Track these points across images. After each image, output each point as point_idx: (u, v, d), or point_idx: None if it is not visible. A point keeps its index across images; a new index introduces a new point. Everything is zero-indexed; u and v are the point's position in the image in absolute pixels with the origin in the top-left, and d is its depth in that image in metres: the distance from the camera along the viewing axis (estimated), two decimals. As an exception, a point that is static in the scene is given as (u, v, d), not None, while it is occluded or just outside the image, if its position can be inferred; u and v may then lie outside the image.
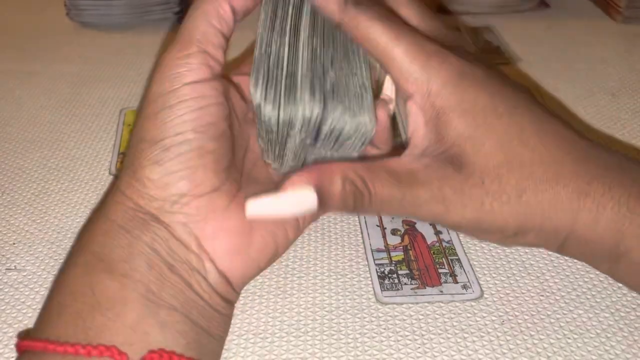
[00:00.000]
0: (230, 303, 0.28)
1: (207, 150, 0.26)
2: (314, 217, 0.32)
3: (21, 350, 0.25)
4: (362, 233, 0.38)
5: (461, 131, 0.26)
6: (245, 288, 0.34)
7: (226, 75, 0.29)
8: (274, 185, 0.29)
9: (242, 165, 0.30)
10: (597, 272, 0.34)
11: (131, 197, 0.26)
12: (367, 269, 0.35)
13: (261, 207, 0.24)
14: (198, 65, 0.26)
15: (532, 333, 0.31)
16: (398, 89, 0.29)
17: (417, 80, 0.27)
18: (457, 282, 0.34)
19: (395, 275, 0.35)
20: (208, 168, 0.26)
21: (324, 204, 0.24)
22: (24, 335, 0.25)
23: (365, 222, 0.39)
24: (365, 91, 0.28)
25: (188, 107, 0.26)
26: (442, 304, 0.33)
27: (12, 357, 0.30)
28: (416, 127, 0.28)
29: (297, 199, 0.24)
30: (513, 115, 0.27)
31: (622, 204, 0.26)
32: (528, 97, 0.29)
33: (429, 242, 0.37)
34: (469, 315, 0.32)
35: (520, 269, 0.35)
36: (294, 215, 0.26)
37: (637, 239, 0.26)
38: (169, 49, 0.27)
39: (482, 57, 0.29)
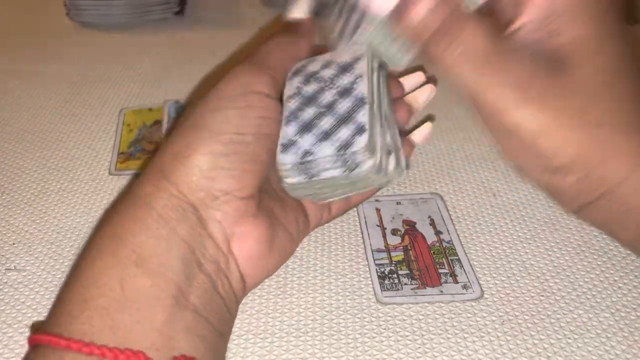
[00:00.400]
0: (238, 305, 0.28)
1: (260, 158, 0.27)
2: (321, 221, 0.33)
3: (35, 343, 0.23)
4: (362, 233, 0.38)
5: (583, 33, 0.24)
6: (245, 288, 0.34)
7: None
8: (283, 202, 0.30)
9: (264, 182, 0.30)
10: (598, 272, 0.34)
11: (175, 183, 0.26)
12: (367, 269, 0.35)
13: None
14: (268, 82, 0.28)
15: (533, 333, 0.31)
16: None
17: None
18: (457, 282, 0.34)
19: (395, 276, 0.35)
20: (255, 175, 0.27)
21: (401, 18, 0.24)
22: (40, 329, 0.23)
23: (366, 222, 0.39)
24: None
25: (254, 112, 0.27)
26: (442, 304, 0.33)
27: (12, 357, 0.30)
28: (534, 15, 0.25)
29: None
30: (634, 44, 0.25)
31: None
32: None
33: (429, 242, 0.37)
34: (469, 315, 0.32)
35: (521, 269, 0.35)
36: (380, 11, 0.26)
37: None
38: (242, 63, 0.29)
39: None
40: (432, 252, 0.36)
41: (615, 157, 0.24)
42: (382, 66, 0.31)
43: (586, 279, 0.34)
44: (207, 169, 0.26)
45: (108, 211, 0.39)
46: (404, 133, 0.33)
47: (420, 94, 0.33)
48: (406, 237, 0.37)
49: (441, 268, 0.35)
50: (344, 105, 0.28)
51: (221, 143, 0.26)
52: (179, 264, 0.24)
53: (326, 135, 0.28)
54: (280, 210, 0.30)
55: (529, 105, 0.24)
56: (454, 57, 0.24)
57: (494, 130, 0.25)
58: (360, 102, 0.28)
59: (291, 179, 0.28)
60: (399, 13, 0.24)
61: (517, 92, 0.24)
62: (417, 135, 0.33)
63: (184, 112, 0.29)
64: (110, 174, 0.44)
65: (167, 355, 0.23)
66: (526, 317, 0.32)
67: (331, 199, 0.32)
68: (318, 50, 0.32)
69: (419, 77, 0.33)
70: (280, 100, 0.29)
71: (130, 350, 0.22)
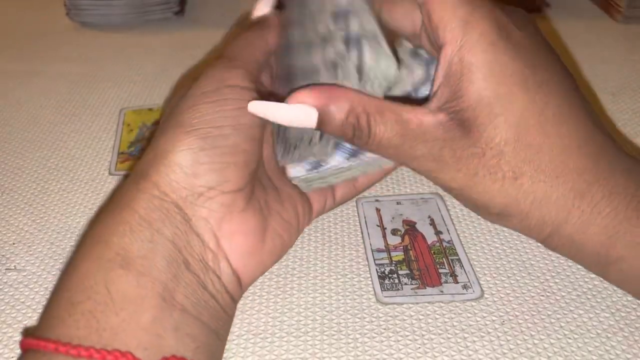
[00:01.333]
0: (235, 303, 0.28)
1: (241, 149, 0.27)
2: (317, 213, 0.33)
3: (26, 348, 0.23)
4: (362, 233, 0.38)
5: (481, 95, 0.25)
6: (245, 288, 0.34)
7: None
8: (278, 192, 0.30)
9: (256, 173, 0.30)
10: (598, 272, 0.34)
11: (157, 183, 0.26)
12: (367, 269, 0.35)
13: (264, 108, 0.26)
14: (241, 74, 0.28)
15: (533, 333, 0.31)
16: (434, 38, 0.27)
17: (454, 30, 0.25)
18: (457, 282, 0.34)
19: (395, 275, 0.34)
20: (239, 167, 0.27)
21: (322, 125, 0.26)
22: (31, 334, 0.24)
23: (366, 222, 0.39)
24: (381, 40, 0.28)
25: (229, 105, 0.27)
26: (442, 304, 0.33)
27: (12, 357, 0.30)
28: (440, 80, 0.26)
29: (298, 112, 0.25)
30: (540, 91, 0.25)
31: (619, 212, 0.25)
32: (563, 72, 0.27)
33: (429, 242, 0.37)
34: (469, 315, 0.32)
35: (521, 269, 0.35)
36: (290, 124, 0.27)
37: (630, 249, 0.26)
38: (213, 61, 0.29)
39: (531, 18, 0.28)
40: (432, 252, 0.36)
41: (544, 205, 0.26)
42: None
43: (586, 279, 0.34)
44: (188, 165, 0.26)
45: (95, 215, 0.39)
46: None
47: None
48: (406, 237, 0.37)
49: (441, 268, 0.35)
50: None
51: (199, 138, 0.26)
52: (164, 264, 0.24)
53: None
54: (276, 200, 0.30)
55: (445, 171, 0.26)
56: (375, 147, 0.26)
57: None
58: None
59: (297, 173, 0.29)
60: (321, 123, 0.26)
61: (433, 163, 0.26)
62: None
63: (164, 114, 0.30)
64: (110, 174, 0.44)
65: (156, 354, 0.23)
66: (526, 317, 0.32)
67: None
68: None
69: None
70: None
71: (118, 351, 0.22)
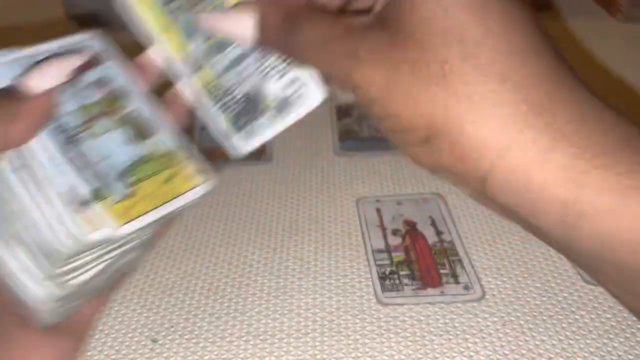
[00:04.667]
0: None
1: None
2: None
3: None
4: (362, 234, 0.38)
5: None
6: (245, 289, 0.34)
7: None
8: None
9: None
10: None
11: None
12: (368, 269, 0.35)
13: (206, 22, 0.24)
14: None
15: (534, 334, 0.31)
16: None
17: None
18: (458, 283, 0.34)
19: (396, 276, 0.34)
20: None
21: (262, 30, 0.23)
22: None
23: (366, 222, 0.39)
24: None
25: None
26: (443, 305, 0.33)
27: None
28: None
29: (238, 25, 0.24)
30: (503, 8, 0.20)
31: (594, 143, 0.18)
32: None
33: (430, 243, 0.37)
34: (470, 316, 0.32)
35: (522, 269, 0.35)
36: (228, 35, 0.24)
37: (595, 196, 0.17)
38: None
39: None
40: (433, 252, 0.36)
41: (484, 119, 0.19)
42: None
43: (588, 279, 0.34)
44: None
45: None
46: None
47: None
48: (407, 238, 0.37)
49: (442, 268, 0.35)
50: None
51: None
52: None
53: None
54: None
55: (362, 68, 0.21)
56: (300, 50, 0.23)
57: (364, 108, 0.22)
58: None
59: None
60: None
61: (348, 60, 0.21)
62: None
63: None
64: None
65: None
66: (528, 318, 0.32)
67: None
68: None
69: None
70: None
71: None
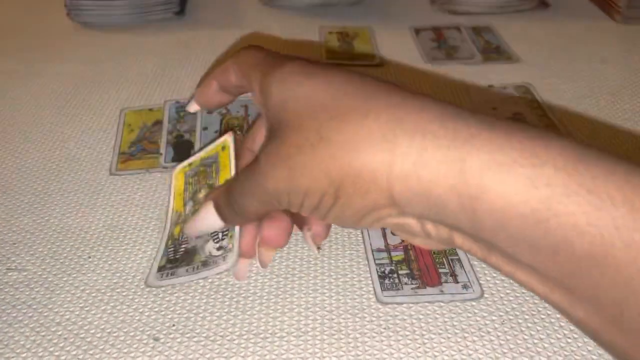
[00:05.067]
0: None
1: None
2: None
3: None
4: (362, 233, 0.38)
5: (275, 99, 0.25)
6: (246, 288, 0.34)
7: None
8: None
9: None
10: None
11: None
12: (368, 268, 0.35)
13: (189, 229, 0.31)
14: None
15: (533, 333, 0.31)
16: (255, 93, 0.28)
17: (257, 79, 0.26)
18: (457, 282, 0.34)
19: (395, 275, 0.35)
20: None
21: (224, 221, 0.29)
22: None
23: (366, 222, 0.39)
24: None
25: None
26: (442, 304, 0.33)
27: (13, 357, 0.30)
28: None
29: (206, 222, 0.30)
30: (325, 73, 0.24)
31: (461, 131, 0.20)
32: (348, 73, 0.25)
33: (429, 242, 0.37)
34: (469, 315, 0.32)
35: (521, 268, 0.35)
36: (207, 230, 0.30)
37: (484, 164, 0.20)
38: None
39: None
40: (432, 251, 0.36)
41: (366, 149, 0.22)
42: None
43: (586, 279, 0.34)
44: None
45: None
46: None
47: None
48: (406, 237, 0.37)
49: (441, 268, 0.35)
50: None
51: None
52: None
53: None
54: None
55: (266, 174, 0.25)
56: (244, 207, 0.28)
57: None
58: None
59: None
60: None
61: (257, 175, 0.25)
62: None
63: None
64: (111, 174, 0.44)
65: None
66: (526, 317, 0.32)
67: None
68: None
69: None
70: None
71: None
